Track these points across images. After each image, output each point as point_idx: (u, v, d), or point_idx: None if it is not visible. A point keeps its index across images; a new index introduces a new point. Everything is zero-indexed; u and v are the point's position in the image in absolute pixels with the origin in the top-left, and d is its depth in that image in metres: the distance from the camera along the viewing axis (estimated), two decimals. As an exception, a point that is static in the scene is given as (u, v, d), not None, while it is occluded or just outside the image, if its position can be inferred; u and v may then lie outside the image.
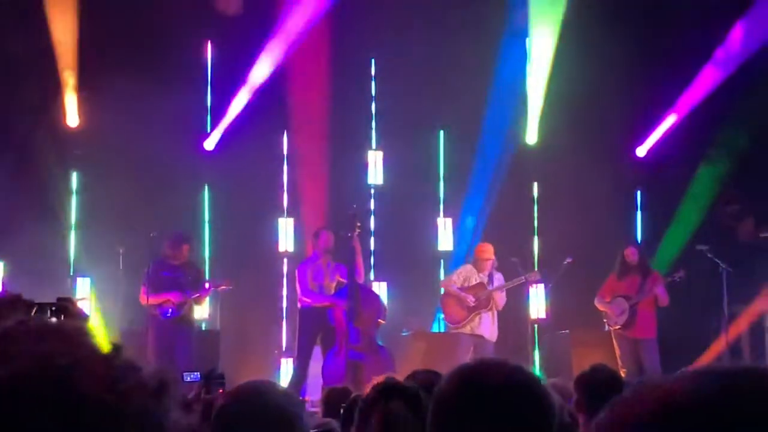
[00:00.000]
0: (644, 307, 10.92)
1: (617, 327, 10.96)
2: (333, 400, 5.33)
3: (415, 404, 2.56)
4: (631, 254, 11.04)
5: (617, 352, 10.90)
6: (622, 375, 10.11)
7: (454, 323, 10.83)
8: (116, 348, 1.20)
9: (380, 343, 10.35)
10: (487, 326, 10.79)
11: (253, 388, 2.47)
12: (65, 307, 2.50)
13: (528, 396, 1.89)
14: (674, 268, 11.27)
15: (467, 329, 10.75)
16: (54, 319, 2.50)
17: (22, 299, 2.51)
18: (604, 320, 11.18)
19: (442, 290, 11.20)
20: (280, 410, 2.40)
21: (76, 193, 11.97)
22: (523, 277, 10.95)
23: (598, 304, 11.15)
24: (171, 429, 1.18)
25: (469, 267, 11.01)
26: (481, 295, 10.78)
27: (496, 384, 1.89)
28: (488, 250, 10.89)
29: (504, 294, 10.91)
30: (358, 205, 10.51)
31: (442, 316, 11.13)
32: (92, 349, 1.17)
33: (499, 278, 10.94)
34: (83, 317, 2.53)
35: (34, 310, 2.50)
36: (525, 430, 1.86)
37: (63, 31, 11.47)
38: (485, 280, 10.87)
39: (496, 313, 10.91)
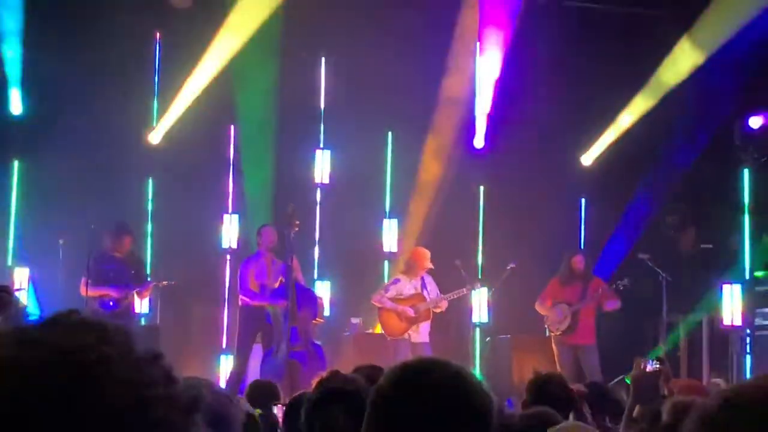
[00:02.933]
0: (585, 313, 11.01)
1: (558, 332, 11.03)
2: (257, 394, 5.33)
3: (357, 408, 2.53)
4: (579, 262, 11.12)
5: (556, 356, 10.97)
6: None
7: (394, 336, 10.76)
8: (154, 355, 1.16)
9: (316, 342, 10.34)
10: (424, 331, 10.80)
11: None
12: (0, 296, 2.45)
13: (466, 396, 1.87)
14: (618, 276, 11.36)
15: (405, 337, 10.72)
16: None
17: None
18: (546, 325, 11.25)
19: (373, 303, 11.10)
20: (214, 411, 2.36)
21: (17, 182, 11.79)
22: (465, 289, 10.95)
23: (539, 308, 11.22)
24: None
25: (401, 279, 10.91)
26: (421, 307, 10.73)
27: (433, 383, 1.88)
28: (427, 258, 10.82)
29: (441, 308, 10.88)
30: (295, 203, 10.43)
31: (380, 325, 11.06)
32: (126, 351, 1.14)
33: (430, 281, 10.89)
34: (20, 307, 2.48)
35: None
36: (462, 429, 1.85)
37: (8, 17, 11.29)
38: (418, 286, 10.81)
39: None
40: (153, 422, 1.11)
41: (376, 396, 1.92)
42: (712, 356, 11.66)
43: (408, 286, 10.79)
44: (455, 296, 10.88)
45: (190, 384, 1.17)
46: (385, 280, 12.34)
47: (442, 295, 10.81)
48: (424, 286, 10.81)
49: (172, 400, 1.13)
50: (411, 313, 10.68)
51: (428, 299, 10.73)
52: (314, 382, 3.02)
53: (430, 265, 10.81)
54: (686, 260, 12.29)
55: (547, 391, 4.75)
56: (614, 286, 11.02)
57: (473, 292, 11.43)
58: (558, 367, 10.82)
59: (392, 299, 10.74)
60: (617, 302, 11.00)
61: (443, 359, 2.03)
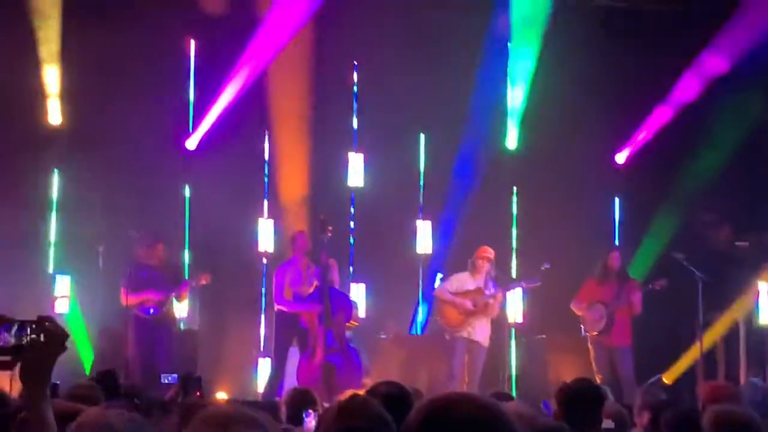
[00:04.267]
0: (621, 314, 11.00)
1: (594, 333, 11.02)
2: (296, 402, 5.41)
3: None
4: (614, 259, 11.10)
5: (592, 357, 10.98)
6: (598, 381, 10.24)
7: (451, 327, 10.80)
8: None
9: (351, 345, 10.42)
10: (483, 332, 10.81)
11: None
12: (45, 325, 2.54)
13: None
14: (654, 277, 11.32)
15: (464, 333, 10.74)
16: (34, 336, 2.53)
17: (1, 316, 2.54)
18: (581, 325, 11.26)
19: (435, 296, 11.17)
20: None
21: (57, 191, 11.96)
22: (518, 283, 11.00)
23: (575, 309, 11.22)
24: None
25: (463, 275, 10.99)
26: (479, 301, 10.78)
27: (462, 419, 1.89)
28: (488, 251, 10.88)
29: (498, 304, 10.90)
30: (326, 209, 10.54)
31: (439, 320, 11.11)
32: None
33: (492, 286, 10.91)
34: (63, 335, 2.57)
35: (14, 328, 2.53)
36: None
37: (46, 29, 11.47)
38: (482, 285, 10.87)
39: (490, 320, 10.92)
40: None
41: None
42: (749, 355, 11.61)
43: (470, 282, 10.83)
44: (511, 289, 10.89)
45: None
46: (420, 282, 12.43)
47: (498, 289, 10.81)
48: (487, 285, 10.84)
49: None
50: (470, 305, 10.71)
51: (487, 294, 10.78)
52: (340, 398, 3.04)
53: (490, 256, 10.79)
54: (721, 258, 12.23)
55: (575, 401, 4.75)
56: (650, 287, 10.99)
57: (508, 292, 11.47)
58: (594, 367, 10.84)
59: (453, 293, 10.79)
60: (639, 308, 10.97)
61: (473, 394, 2.02)
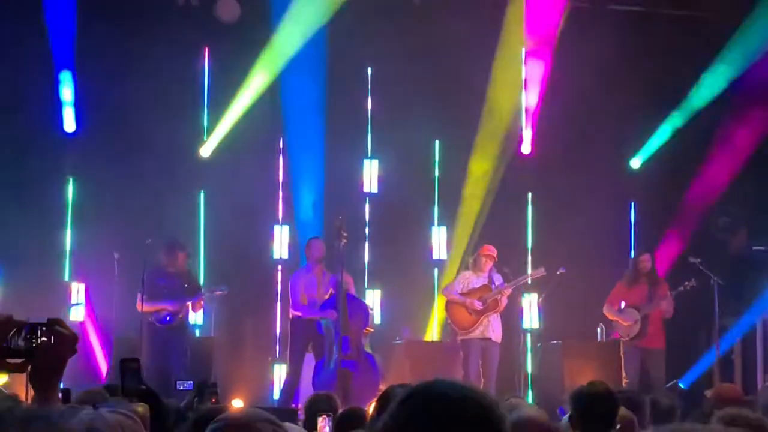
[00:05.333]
0: (654, 317, 10.98)
1: (628, 338, 10.99)
2: (315, 407, 5.41)
3: None
4: (645, 261, 11.08)
5: (623, 360, 10.95)
6: (624, 384, 10.27)
7: (463, 329, 10.79)
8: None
9: (368, 351, 10.43)
10: (495, 328, 10.80)
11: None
12: (55, 327, 2.54)
13: (478, 423, 1.85)
14: (684, 277, 11.24)
15: (477, 333, 10.73)
16: (44, 339, 2.54)
17: (14, 320, 2.55)
18: (615, 329, 11.23)
19: (444, 299, 11.17)
20: None
21: (72, 198, 12.01)
22: (527, 275, 10.99)
23: (607, 313, 11.22)
24: None
25: (466, 273, 11.00)
26: (488, 297, 10.76)
27: (445, 412, 1.85)
28: (492, 249, 10.88)
29: (506, 298, 10.90)
30: (342, 215, 10.55)
31: (449, 322, 11.10)
32: None
33: (498, 279, 10.93)
34: (73, 338, 2.57)
35: (24, 330, 2.54)
36: None
37: (60, 36, 11.53)
38: (486, 282, 10.86)
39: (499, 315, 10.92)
40: None
41: (385, 422, 1.89)
42: (766, 358, 11.56)
43: (475, 280, 10.84)
44: (519, 283, 10.88)
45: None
46: (435, 288, 12.41)
47: (506, 284, 10.81)
48: (492, 281, 10.84)
49: None
50: (478, 306, 10.70)
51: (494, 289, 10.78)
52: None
53: (495, 257, 10.79)
54: (738, 262, 12.19)
55: (590, 405, 4.74)
56: (681, 288, 10.94)
57: (524, 297, 11.46)
58: (623, 372, 10.83)
59: (460, 293, 10.79)
60: (671, 311, 10.96)
61: (458, 381, 1.97)
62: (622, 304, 11.16)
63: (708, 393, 6.02)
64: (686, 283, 10.93)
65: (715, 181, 12.35)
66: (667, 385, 11.05)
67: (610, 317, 11.23)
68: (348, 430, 4.73)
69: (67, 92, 11.72)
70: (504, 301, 10.82)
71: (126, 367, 5.49)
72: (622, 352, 11.05)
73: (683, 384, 11.52)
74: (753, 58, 11.97)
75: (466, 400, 1.88)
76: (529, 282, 11.20)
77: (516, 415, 4.49)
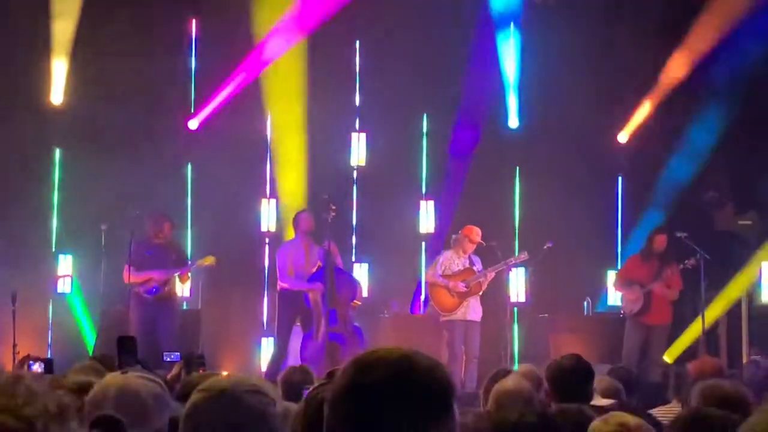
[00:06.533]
0: (658, 294, 11.05)
1: (631, 313, 11.09)
2: (293, 380, 5.41)
3: None
4: (661, 241, 11.14)
5: (625, 335, 11.09)
6: (623, 358, 10.44)
7: (447, 311, 10.84)
8: (17, 377, 1.22)
9: (356, 324, 10.45)
10: (477, 310, 10.86)
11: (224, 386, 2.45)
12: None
13: (424, 381, 1.82)
14: (684, 256, 11.26)
15: (459, 315, 10.77)
16: None
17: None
18: (621, 304, 11.37)
19: (425, 281, 11.20)
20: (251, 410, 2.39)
21: (59, 170, 11.96)
22: (506, 262, 11.00)
23: (615, 286, 11.47)
24: None
25: (448, 254, 11.02)
26: (471, 280, 10.80)
27: (380, 379, 1.82)
28: (478, 233, 10.90)
29: (487, 282, 10.94)
30: (330, 189, 10.55)
31: (431, 303, 11.14)
32: None
33: (477, 261, 10.98)
34: None
35: None
36: (420, 421, 1.80)
37: (45, 12, 11.44)
38: (467, 263, 10.90)
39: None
40: None
41: (330, 397, 1.87)
42: (752, 333, 11.63)
43: (457, 262, 10.87)
44: (499, 269, 10.91)
45: (58, 395, 1.24)
46: (423, 262, 12.43)
47: (489, 268, 10.85)
48: (472, 263, 10.88)
49: (46, 412, 1.20)
50: (462, 288, 10.74)
51: (478, 272, 10.82)
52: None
53: (480, 241, 10.82)
54: (724, 237, 12.23)
55: (564, 377, 4.76)
56: (682, 265, 10.99)
57: (511, 271, 11.49)
58: (624, 345, 10.93)
59: (443, 275, 10.82)
60: (676, 293, 11.05)
61: (395, 348, 1.94)
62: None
63: (689, 366, 6.04)
64: (687, 261, 10.98)
65: (701, 154, 12.34)
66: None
67: (616, 290, 11.37)
68: None
69: (54, 64, 11.64)
70: (485, 285, 10.87)
71: (123, 344, 5.53)
72: (626, 324, 11.15)
73: (668, 359, 11.57)
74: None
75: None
76: (512, 266, 11.22)
77: (497, 387, 4.52)
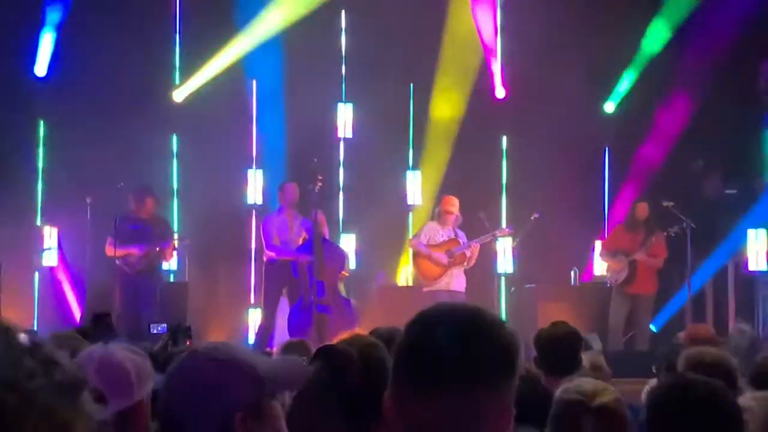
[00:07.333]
0: (644, 263, 11.06)
1: (617, 283, 11.11)
2: (290, 353, 5.40)
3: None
4: (642, 209, 11.14)
5: (611, 305, 11.09)
6: (610, 327, 10.47)
7: (429, 280, 10.84)
8: (32, 347, 1.18)
9: (344, 295, 10.43)
10: (460, 281, 10.86)
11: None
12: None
13: (490, 339, 1.82)
14: (670, 225, 11.27)
15: (443, 285, 10.78)
16: None
17: None
18: (607, 274, 11.33)
19: (411, 251, 11.21)
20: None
21: (42, 142, 11.88)
22: (492, 234, 11.00)
23: (601, 256, 11.44)
24: (81, 428, 1.17)
25: (432, 224, 11.02)
26: (456, 251, 10.79)
27: (452, 327, 1.82)
28: (454, 203, 10.91)
29: (476, 254, 10.94)
30: (317, 159, 10.50)
31: (415, 272, 11.13)
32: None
33: (462, 236, 10.97)
34: None
35: None
36: (487, 374, 1.80)
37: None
38: (452, 234, 10.90)
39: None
40: (39, 413, 1.13)
41: (397, 351, 1.87)
42: (738, 301, 11.67)
43: (441, 233, 10.86)
44: (484, 241, 10.92)
45: (73, 368, 1.20)
46: (410, 232, 12.42)
47: (474, 240, 10.85)
48: (457, 235, 10.88)
49: (54, 387, 1.15)
50: (445, 260, 10.73)
51: (462, 244, 10.81)
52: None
53: (457, 211, 10.83)
54: (711, 206, 12.24)
55: (552, 346, 4.77)
56: (665, 234, 11.01)
57: (498, 241, 11.49)
58: (610, 316, 10.95)
59: (427, 245, 10.82)
60: (660, 262, 11.06)
61: (461, 304, 1.99)
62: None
63: (680, 334, 6.06)
64: (670, 230, 11.00)
65: (687, 123, 12.33)
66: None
67: (602, 259, 11.37)
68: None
69: (38, 35, 11.54)
70: (474, 259, 10.83)
71: (98, 321, 5.50)
72: (612, 294, 11.16)
73: (654, 327, 11.62)
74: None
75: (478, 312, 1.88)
76: (496, 239, 11.21)
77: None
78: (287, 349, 5.72)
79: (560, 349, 4.72)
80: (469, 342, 1.81)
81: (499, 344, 1.82)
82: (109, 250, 10.27)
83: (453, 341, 1.80)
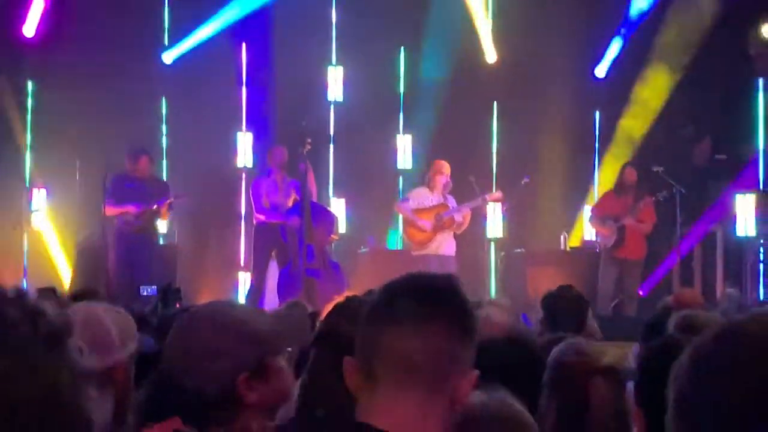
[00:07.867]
0: (632, 228, 11.08)
1: (606, 247, 11.13)
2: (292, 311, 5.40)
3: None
4: (630, 174, 11.14)
5: (600, 270, 11.12)
6: (599, 292, 10.52)
7: (417, 245, 10.85)
8: (16, 295, 1.17)
9: (333, 259, 10.44)
10: (450, 245, 10.86)
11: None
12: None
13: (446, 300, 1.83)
14: (655, 189, 11.31)
15: (432, 249, 10.78)
16: None
17: None
18: (597, 239, 11.33)
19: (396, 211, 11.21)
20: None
21: (31, 104, 11.81)
22: (483, 198, 10.99)
23: (591, 222, 11.44)
24: (66, 381, 1.16)
25: (421, 189, 10.99)
26: (444, 215, 10.79)
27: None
28: (444, 168, 10.88)
29: (467, 218, 10.93)
30: (306, 122, 10.46)
31: (403, 236, 11.14)
32: None
33: (452, 201, 10.95)
34: None
35: None
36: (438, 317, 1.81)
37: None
38: (442, 199, 10.87)
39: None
40: (26, 365, 1.12)
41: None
42: (727, 266, 11.72)
43: (430, 198, 10.85)
44: (473, 205, 10.92)
45: (60, 315, 1.18)
46: (400, 197, 12.41)
47: (463, 204, 10.84)
48: (446, 200, 10.86)
49: (38, 336, 1.14)
50: (428, 226, 10.72)
51: (452, 208, 10.80)
52: (328, 306, 3.04)
53: (447, 175, 10.80)
54: (700, 171, 12.26)
55: (559, 307, 4.83)
56: (654, 199, 11.03)
57: (488, 206, 11.50)
58: (599, 280, 10.99)
59: (415, 211, 10.80)
60: (649, 227, 11.08)
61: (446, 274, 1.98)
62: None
63: (668, 298, 6.08)
64: (658, 194, 11.02)
65: (677, 88, 12.32)
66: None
67: (591, 225, 11.38)
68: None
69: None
70: (465, 224, 10.82)
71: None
72: (602, 259, 11.19)
73: (642, 291, 11.67)
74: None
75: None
76: (486, 203, 11.20)
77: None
78: (288, 308, 5.73)
79: (567, 312, 4.80)
80: (427, 299, 1.81)
81: (455, 302, 1.83)
82: (110, 210, 10.21)
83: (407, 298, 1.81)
